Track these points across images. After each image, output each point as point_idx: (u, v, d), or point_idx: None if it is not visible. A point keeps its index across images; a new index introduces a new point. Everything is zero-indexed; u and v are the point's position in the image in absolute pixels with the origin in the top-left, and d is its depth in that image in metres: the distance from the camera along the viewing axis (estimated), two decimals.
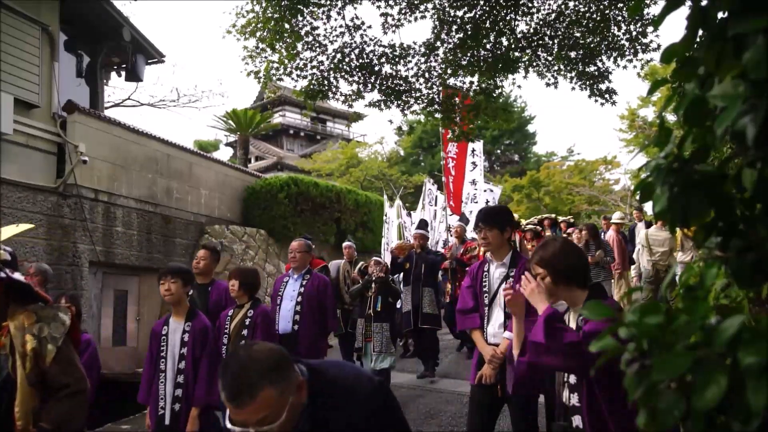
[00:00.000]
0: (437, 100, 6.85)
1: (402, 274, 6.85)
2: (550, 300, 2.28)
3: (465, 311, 3.41)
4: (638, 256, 8.26)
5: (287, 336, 4.54)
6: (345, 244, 7.50)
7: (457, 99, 6.88)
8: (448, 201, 11.35)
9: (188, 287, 3.66)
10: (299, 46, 6.17)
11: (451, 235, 8.74)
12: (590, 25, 6.32)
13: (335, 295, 6.33)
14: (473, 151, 11.10)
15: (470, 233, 9.35)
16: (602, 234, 9.55)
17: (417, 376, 6.55)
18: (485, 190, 12.67)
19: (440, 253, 7.45)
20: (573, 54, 6.55)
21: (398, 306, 6.65)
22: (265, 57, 6.21)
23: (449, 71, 6.60)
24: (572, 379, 2.13)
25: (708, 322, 0.88)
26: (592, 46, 6.41)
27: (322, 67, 6.36)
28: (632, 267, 8.83)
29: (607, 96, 6.78)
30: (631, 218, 12.36)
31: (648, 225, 9.74)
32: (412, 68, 6.64)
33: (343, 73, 6.38)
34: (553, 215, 11.40)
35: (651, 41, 6.41)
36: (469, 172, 12.26)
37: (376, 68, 6.46)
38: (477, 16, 6.18)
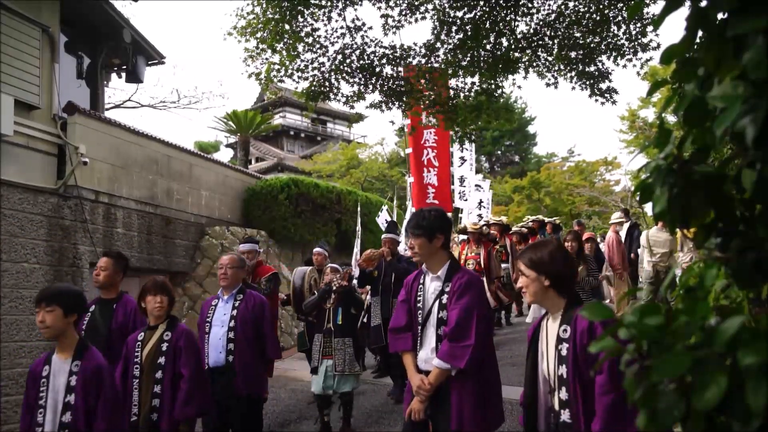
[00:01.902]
0: (438, 100, 6.86)
1: (369, 283, 6.23)
2: (532, 302, 2.28)
3: (397, 330, 2.97)
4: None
5: (220, 370, 3.90)
6: (315, 250, 6.74)
7: (422, 81, 6.55)
8: (418, 200, 10.42)
9: (73, 316, 2.87)
10: (300, 47, 6.17)
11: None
12: (590, 25, 6.32)
13: (298, 309, 5.95)
14: (462, 144, 10.21)
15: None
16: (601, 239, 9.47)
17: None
18: (476, 186, 12.25)
19: (414, 260, 7.00)
20: (573, 54, 6.55)
21: (365, 320, 6.19)
22: (266, 58, 6.22)
23: (450, 72, 6.60)
24: (563, 373, 2.09)
25: (708, 322, 0.88)
26: (592, 46, 6.42)
27: (323, 69, 6.36)
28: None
29: (607, 95, 6.79)
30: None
31: (634, 226, 9.69)
32: (412, 69, 6.64)
33: (343, 74, 6.39)
34: (540, 217, 11.06)
35: (650, 40, 6.41)
36: (458, 167, 11.61)
37: (377, 69, 6.47)
38: (477, 16, 6.18)
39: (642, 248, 8.00)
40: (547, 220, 10.71)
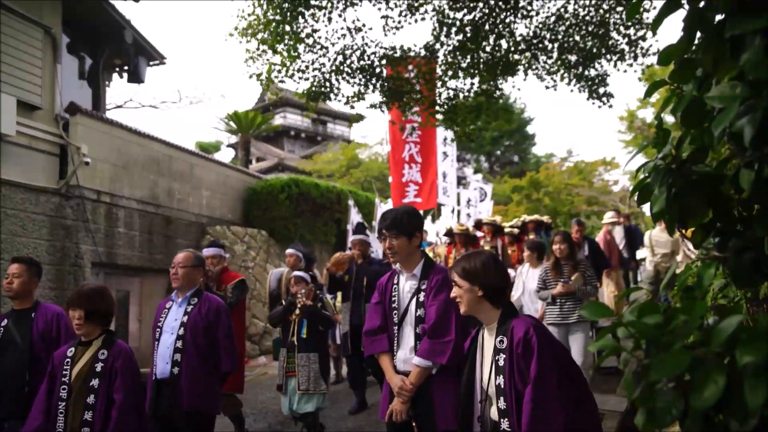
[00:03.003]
0: (438, 101, 6.86)
1: (340, 289, 5.86)
2: (466, 313, 2.25)
3: (371, 332, 2.90)
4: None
5: (166, 382, 3.47)
6: (288, 251, 6.24)
7: (409, 74, 6.42)
8: (395, 199, 9.73)
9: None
10: (300, 48, 6.18)
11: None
12: (589, 28, 6.32)
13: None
14: (444, 139, 9.43)
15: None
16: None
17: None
18: (475, 189, 11.87)
19: (386, 262, 6.29)
20: (572, 58, 6.56)
21: (336, 331, 5.81)
22: (267, 59, 6.22)
23: (449, 73, 6.61)
24: (500, 382, 2.11)
25: (706, 321, 0.88)
26: (593, 51, 6.42)
27: (323, 69, 6.37)
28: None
29: (605, 99, 6.80)
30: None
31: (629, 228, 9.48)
32: (412, 70, 6.65)
33: (344, 75, 6.39)
34: (537, 216, 10.93)
35: (651, 45, 6.41)
36: (441, 162, 10.96)
37: (377, 70, 6.48)
38: (476, 18, 6.19)
39: (645, 248, 7.98)
40: (545, 219, 10.56)
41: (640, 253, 9.77)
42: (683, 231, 1.05)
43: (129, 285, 8.65)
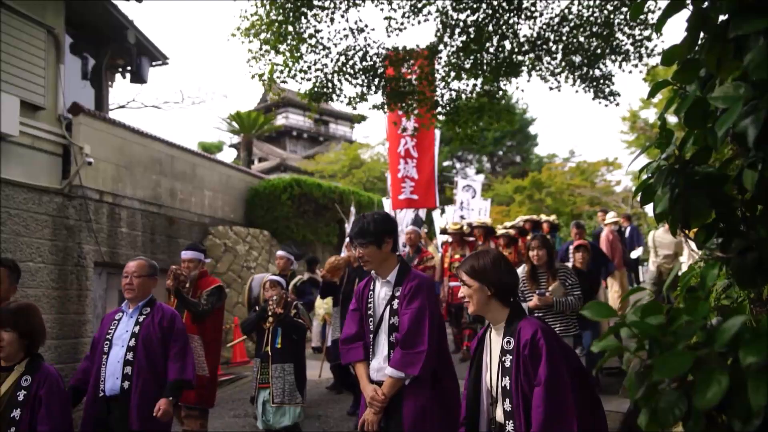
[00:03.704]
0: (441, 102, 6.86)
1: (334, 294, 5.61)
2: (475, 313, 2.21)
3: (348, 340, 2.83)
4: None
5: (115, 400, 3.20)
6: (278, 253, 5.95)
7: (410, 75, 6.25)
8: (393, 196, 9.23)
9: None
10: (303, 48, 6.18)
11: (404, 244, 7.40)
12: (594, 29, 6.31)
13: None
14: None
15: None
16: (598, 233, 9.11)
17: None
18: (464, 187, 11.70)
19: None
20: (577, 58, 6.54)
21: (322, 338, 5.46)
22: (269, 60, 6.22)
23: (452, 74, 6.60)
24: (506, 383, 2.08)
25: (709, 322, 0.88)
26: (598, 52, 6.40)
27: (326, 70, 6.37)
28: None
29: (610, 98, 6.79)
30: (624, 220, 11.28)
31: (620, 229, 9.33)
32: (415, 71, 6.64)
33: (346, 76, 6.39)
34: (535, 216, 10.08)
35: (655, 45, 6.40)
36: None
37: (380, 71, 6.47)
38: (480, 19, 6.18)
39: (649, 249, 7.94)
40: (543, 218, 9.76)
41: (633, 254, 9.74)
42: (686, 232, 1.05)
43: None
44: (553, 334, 2.09)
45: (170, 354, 3.33)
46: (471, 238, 7.84)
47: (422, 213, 10.15)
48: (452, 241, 7.55)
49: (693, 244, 1.09)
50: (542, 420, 1.89)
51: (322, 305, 6.80)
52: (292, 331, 4.47)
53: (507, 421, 2.05)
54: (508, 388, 2.06)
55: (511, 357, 2.07)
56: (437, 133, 9.61)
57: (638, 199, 1.16)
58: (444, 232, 8.09)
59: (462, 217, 10.64)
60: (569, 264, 5.82)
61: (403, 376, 2.58)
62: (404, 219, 9.51)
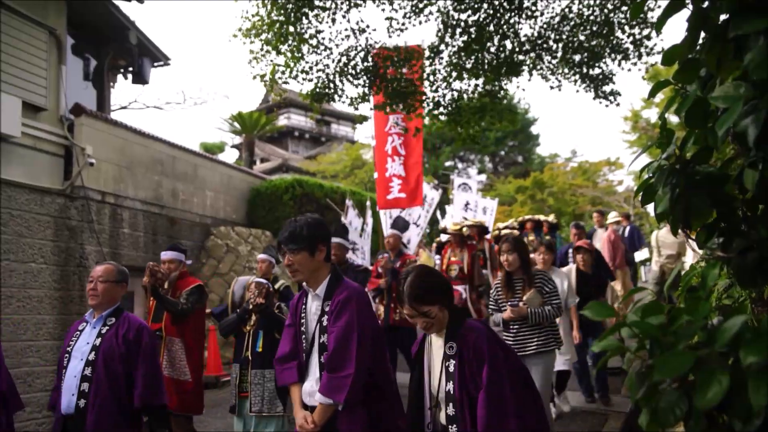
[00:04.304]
0: (442, 102, 6.86)
1: None
2: (436, 331, 2.17)
3: (281, 359, 2.60)
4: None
5: (71, 419, 2.92)
6: (260, 256, 5.78)
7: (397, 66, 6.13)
8: (380, 196, 8.80)
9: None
10: (304, 49, 6.18)
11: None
12: (594, 28, 6.31)
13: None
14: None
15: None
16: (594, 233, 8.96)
17: None
18: (461, 185, 11.00)
19: (363, 268, 5.95)
20: (577, 57, 6.54)
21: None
22: (271, 60, 6.23)
23: (454, 74, 6.60)
24: (450, 388, 2.08)
25: (710, 322, 0.88)
26: (596, 50, 6.41)
27: (327, 70, 6.37)
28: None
29: (611, 98, 6.78)
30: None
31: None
32: (416, 71, 6.65)
33: (348, 76, 6.39)
34: (537, 216, 9.93)
35: (655, 44, 6.40)
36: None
37: (381, 71, 6.47)
38: (481, 19, 6.18)
39: (653, 249, 7.91)
40: (542, 218, 9.60)
41: (638, 255, 9.71)
42: (687, 231, 1.05)
43: (133, 285, 8.67)
44: (495, 337, 2.11)
45: (137, 374, 2.98)
46: (472, 241, 7.71)
47: (417, 216, 9.69)
48: (452, 242, 7.34)
49: (694, 244, 1.09)
50: (485, 424, 1.93)
51: None
52: (275, 326, 4.09)
53: (450, 426, 2.06)
54: (451, 392, 2.07)
55: (454, 362, 2.07)
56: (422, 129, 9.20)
57: (640, 198, 1.16)
58: (444, 231, 7.96)
59: (465, 218, 10.49)
60: (572, 266, 5.76)
61: (332, 403, 2.35)
62: (388, 222, 9.10)
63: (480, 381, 1.98)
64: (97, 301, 3.07)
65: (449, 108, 6.87)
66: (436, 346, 2.20)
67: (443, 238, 8.72)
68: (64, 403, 2.93)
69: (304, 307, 2.57)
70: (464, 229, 7.61)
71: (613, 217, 9.07)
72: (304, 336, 2.53)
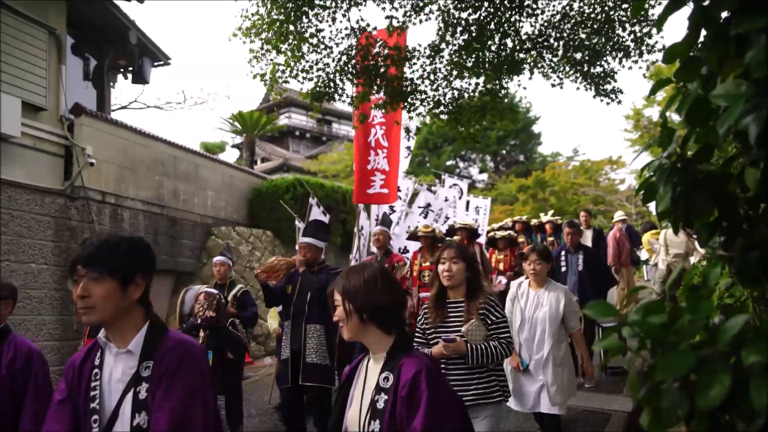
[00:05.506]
0: (443, 101, 6.85)
1: (282, 303, 4.70)
2: (350, 339, 1.85)
3: None
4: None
5: None
6: (216, 259, 5.44)
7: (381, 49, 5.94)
8: (359, 191, 8.22)
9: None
10: (304, 48, 6.18)
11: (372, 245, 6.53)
12: (595, 26, 6.31)
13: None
14: (407, 131, 7.89)
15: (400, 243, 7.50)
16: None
17: None
18: (452, 185, 10.62)
19: (338, 270, 4.72)
20: (578, 55, 6.54)
21: (279, 348, 4.65)
22: (271, 59, 6.22)
23: (454, 73, 6.59)
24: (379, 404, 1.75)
25: (711, 321, 0.88)
26: (597, 48, 6.40)
27: (327, 69, 6.37)
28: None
29: (612, 96, 6.78)
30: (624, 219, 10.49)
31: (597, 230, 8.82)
32: (417, 70, 6.64)
33: (348, 75, 6.39)
34: (525, 218, 9.51)
35: (656, 42, 6.39)
36: (403, 158, 9.50)
37: (382, 70, 6.46)
38: (481, 17, 6.17)
39: (660, 248, 7.86)
40: (545, 218, 9.15)
41: (643, 254, 9.71)
42: (689, 230, 1.05)
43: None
44: (440, 377, 1.77)
45: (32, 411, 2.43)
46: (456, 237, 7.09)
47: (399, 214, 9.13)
48: (422, 246, 6.49)
49: (697, 243, 1.09)
50: None
51: (277, 316, 6.02)
52: (227, 343, 3.62)
53: (373, 421, 1.74)
54: None
55: (386, 397, 1.73)
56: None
57: (641, 197, 1.16)
58: (413, 236, 6.96)
59: (447, 217, 9.74)
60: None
61: None
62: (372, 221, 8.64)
63: (409, 426, 1.65)
64: None
65: (450, 107, 6.86)
66: (371, 373, 1.84)
67: (411, 243, 7.82)
68: None
69: (96, 371, 1.70)
70: (437, 231, 6.83)
71: (618, 215, 9.02)
72: (95, 417, 1.65)
